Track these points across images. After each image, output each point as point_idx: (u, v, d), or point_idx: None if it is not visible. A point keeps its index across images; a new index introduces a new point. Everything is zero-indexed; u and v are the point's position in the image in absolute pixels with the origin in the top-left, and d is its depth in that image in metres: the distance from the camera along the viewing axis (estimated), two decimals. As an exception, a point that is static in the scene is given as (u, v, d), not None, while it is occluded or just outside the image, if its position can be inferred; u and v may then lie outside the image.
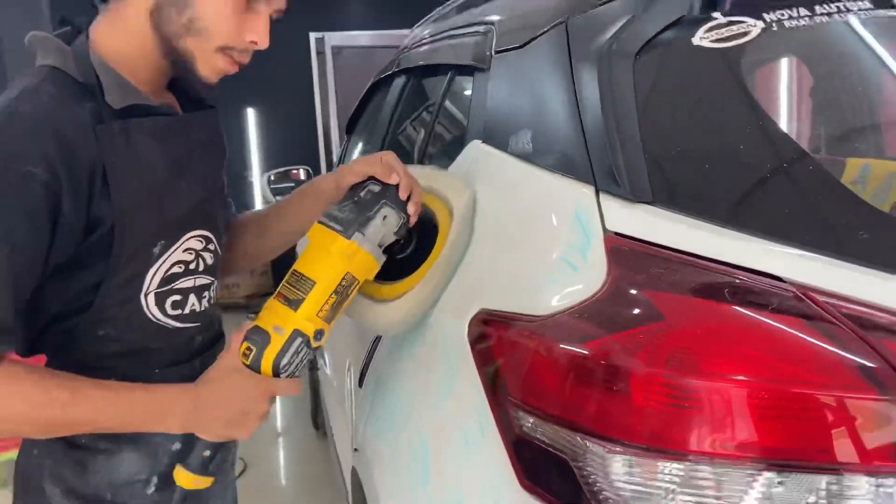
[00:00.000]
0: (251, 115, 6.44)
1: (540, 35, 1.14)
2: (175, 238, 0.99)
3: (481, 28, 1.46)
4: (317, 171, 6.25)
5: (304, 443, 3.55)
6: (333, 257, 0.96)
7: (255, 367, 0.95)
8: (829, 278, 0.69)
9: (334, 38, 6.29)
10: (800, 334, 0.65)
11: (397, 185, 1.03)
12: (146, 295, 0.97)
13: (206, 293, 1.06)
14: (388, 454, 1.09)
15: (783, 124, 0.84)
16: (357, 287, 0.99)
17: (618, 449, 0.67)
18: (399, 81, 2.14)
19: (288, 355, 0.95)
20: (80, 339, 0.96)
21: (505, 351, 0.84)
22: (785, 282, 0.69)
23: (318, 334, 0.96)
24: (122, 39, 0.96)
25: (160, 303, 0.99)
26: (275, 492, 3.20)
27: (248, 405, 0.95)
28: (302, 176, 3.12)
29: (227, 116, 6.15)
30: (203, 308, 1.06)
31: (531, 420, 0.76)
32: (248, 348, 0.95)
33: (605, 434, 0.67)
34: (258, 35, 0.97)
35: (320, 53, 6.31)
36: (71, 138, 0.86)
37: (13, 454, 1.00)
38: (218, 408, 0.95)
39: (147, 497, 1.03)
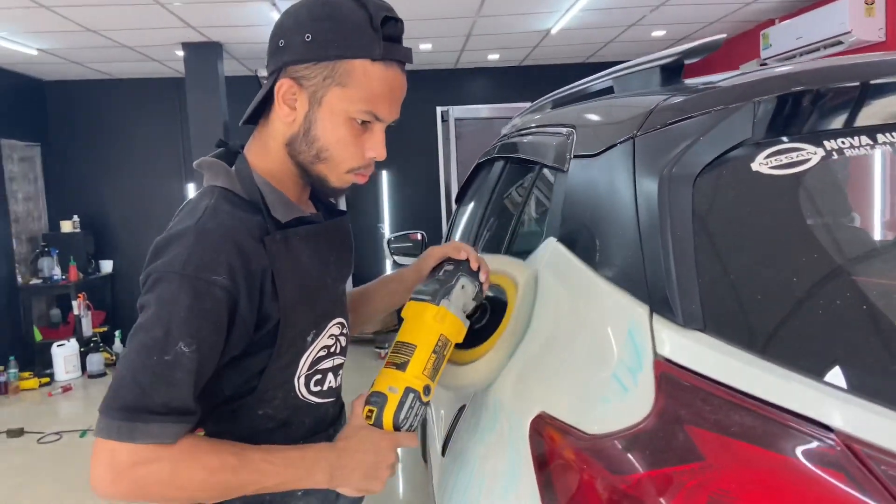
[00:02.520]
0: (385, 176, 6.64)
1: (611, 148, 1.09)
2: (323, 327, 1.04)
3: (564, 130, 1.42)
4: (438, 226, 6.37)
5: (414, 473, 3.53)
6: (428, 322, 1.02)
7: (378, 424, 0.99)
8: (880, 430, 0.60)
9: (457, 111, 6.41)
10: (835, 488, 0.56)
11: (468, 260, 1.14)
12: (298, 378, 1.02)
13: (340, 371, 1.12)
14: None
15: (841, 258, 0.74)
16: (451, 348, 1.04)
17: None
18: (497, 165, 2.12)
19: (404, 410, 0.99)
20: (243, 417, 1.00)
21: (558, 461, 0.78)
22: (832, 431, 0.61)
23: (427, 389, 1.00)
24: (270, 162, 1.01)
25: (307, 383, 1.04)
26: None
27: (379, 457, 0.98)
28: (418, 237, 3.15)
29: (364, 178, 6.42)
30: (337, 384, 1.12)
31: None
32: (371, 410, 0.99)
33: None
34: (376, 151, 1.01)
35: (445, 122, 6.45)
36: (247, 249, 0.91)
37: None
38: (354, 460, 0.96)
39: None
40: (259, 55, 5.56)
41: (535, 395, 0.94)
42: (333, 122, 0.96)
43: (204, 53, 5.10)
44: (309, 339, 1.01)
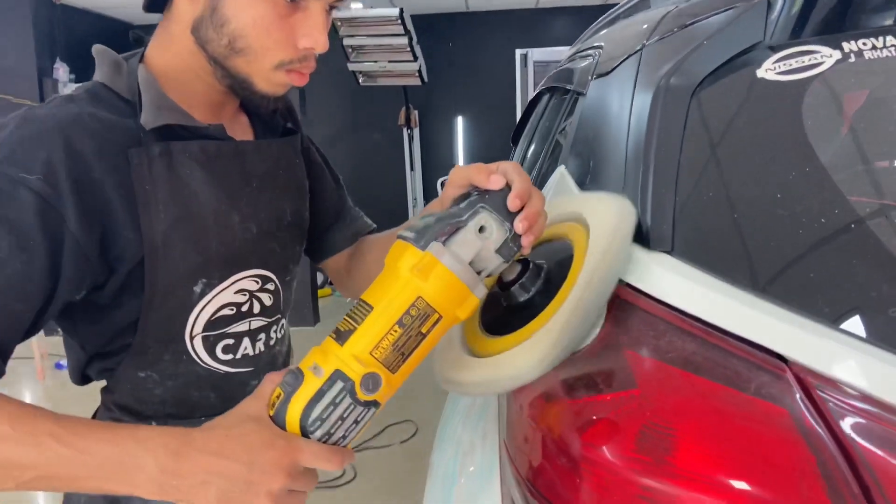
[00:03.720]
0: (460, 122, 6.56)
1: (622, 62, 1.00)
2: (221, 277, 0.81)
3: (593, 51, 1.32)
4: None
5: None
6: (400, 274, 0.64)
7: (279, 419, 0.64)
8: (845, 363, 0.51)
9: (537, 54, 6.21)
10: (775, 424, 0.49)
11: (503, 191, 0.67)
12: (192, 338, 0.81)
13: (261, 335, 0.88)
14: (434, 467, 1.02)
15: (843, 177, 0.64)
16: (442, 326, 0.65)
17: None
18: (544, 99, 2.03)
19: (321, 405, 0.63)
20: (123, 379, 0.82)
21: (511, 395, 0.74)
22: (787, 362, 0.53)
23: (370, 381, 0.62)
24: (171, 56, 0.80)
25: (210, 348, 0.83)
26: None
27: (255, 471, 0.61)
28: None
29: (439, 122, 6.35)
30: (258, 351, 0.88)
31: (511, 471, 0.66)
32: (278, 395, 0.65)
33: (549, 502, 0.56)
34: (313, 38, 0.75)
35: (524, 67, 6.26)
36: (85, 151, 0.70)
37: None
38: (211, 465, 0.61)
39: None
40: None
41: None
42: None
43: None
44: (197, 289, 0.79)
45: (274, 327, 0.91)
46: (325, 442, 0.64)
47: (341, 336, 0.64)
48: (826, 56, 0.72)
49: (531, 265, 0.72)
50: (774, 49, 0.77)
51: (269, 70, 0.76)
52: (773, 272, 0.60)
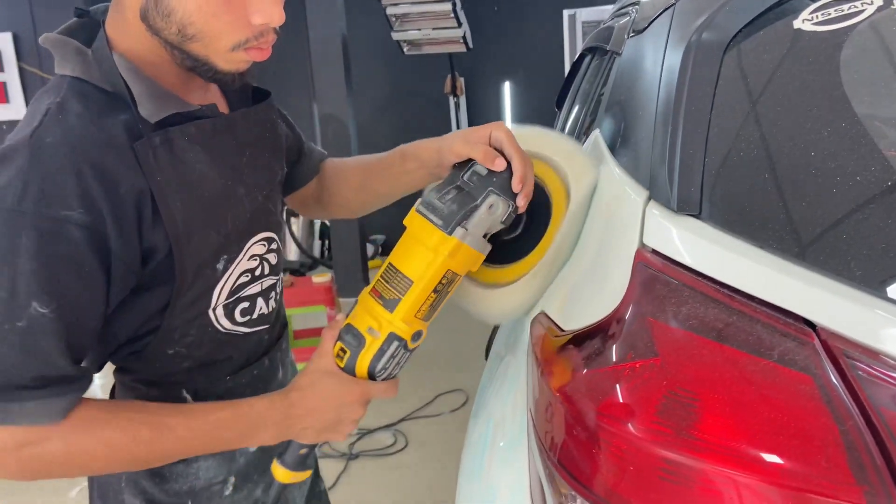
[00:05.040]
0: (507, 87, 6.46)
1: (655, 18, 0.96)
2: (238, 250, 0.84)
3: (630, 9, 1.27)
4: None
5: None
6: (433, 254, 0.78)
7: (350, 370, 0.82)
8: (879, 329, 0.49)
9: (585, 14, 6.03)
10: (799, 392, 0.47)
11: (508, 172, 0.81)
12: (214, 309, 0.84)
13: (272, 293, 0.93)
14: (470, 435, 1.03)
15: (882, 134, 0.61)
16: (458, 282, 0.83)
17: (578, 495, 0.55)
18: (586, 60, 1.97)
19: (384, 359, 0.81)
20: (151, 358, 0.84)
21: (535, 362, 0.73)
22: (814, 327, 0.51)
23: (416, 336, 0.82)
24: (132, 40, 0.76)
25: (229, 314, 0.86)
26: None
27: (343, 412, 0.81)
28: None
29: (486, 88, 6.27)
30: (270, 309, 0.93)
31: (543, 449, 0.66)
32: (343, 350, 0.82)
33: (570, 475, 0.56)
34: (266, 13, 0.71)
35: (572, 29, 6.10)
36: (109, 167, 0.70)
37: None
38: (311, 415, 0.81)
39: (225, 498, 0.92)
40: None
41: (546, 294, 0.88)
42: None
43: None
44: (220, 266, 0.81)
45: (279, 283, 0.95)
46: (384, 379, 0.84)
47: (388, 303, 0.80)
48: (867, 3, 0.67)
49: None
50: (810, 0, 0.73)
51: (226, 52, 0.74)
52: (805, 235, 0.57)
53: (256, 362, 0.93)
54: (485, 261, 0.85)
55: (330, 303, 3.68)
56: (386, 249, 6.56)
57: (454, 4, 5.19)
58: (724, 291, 0.56)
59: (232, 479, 0.92)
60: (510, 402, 0.87)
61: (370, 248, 5.68)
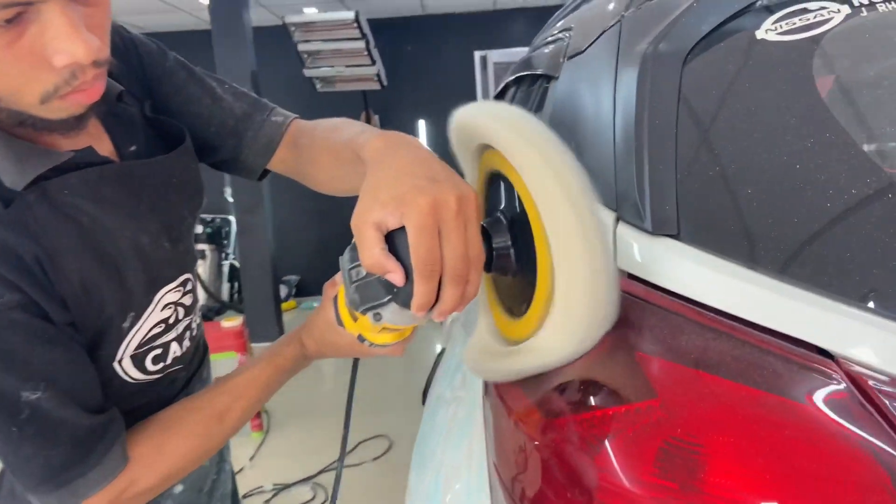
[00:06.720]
0: (422, 126, 6.47)
1: (599, 36, 0.91)
2: (147, 303, 0.76)
3: (561, 35, 1.24)
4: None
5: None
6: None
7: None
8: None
9: (496, 56, 6.16)
10: (834, 434, 0.40)
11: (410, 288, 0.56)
12: (121, 361, 0.75)
13: (186, 333, 0.85)
14: (413, 491, 0.92)
15: (867, 143, 0.57)
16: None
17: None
18: (510, 92, 1.95)
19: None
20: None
21: (496, 403, 0.64)
22: (834, 359, 0.44)
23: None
24: None
25: (139, 364, 0.78)
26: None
27: (349, 353, 0.80)
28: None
29: (400, 126, 6.26)
30: (185, 349, 0.85)
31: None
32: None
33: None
34: (66, 52, 0.55)
35: (484, 70, 6.21)
36: (8, 242, 0.63)
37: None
38: (327, 354, 0.80)
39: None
40: (287, 0, 5.42)
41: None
42: None
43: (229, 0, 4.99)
44: (126, 324, 0.73)
45: (194, 318, 0.87)
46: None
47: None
48: (833, 11, 0.64)
49: (493, 255, 0.65)
50: (771, 9, 0.70)
51: (39, 107, 0.60)
52: (801, 253, 0.52)
53: (171, 402, 0.82)
54: (503, 314, 0.70)
55: (241, 349, 3.46)
56: (300, 290, 6.34)
57: (367, 42, 5.17)
58: (723, 320, 0.49)
59: None
60: (463, 450, 0.77)
61: (283, 290, 5.46)
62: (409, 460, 0.98)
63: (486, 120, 0.66)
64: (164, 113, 0.84)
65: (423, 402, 1.20)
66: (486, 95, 6.20)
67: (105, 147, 0.75)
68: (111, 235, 0.70)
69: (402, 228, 0.54)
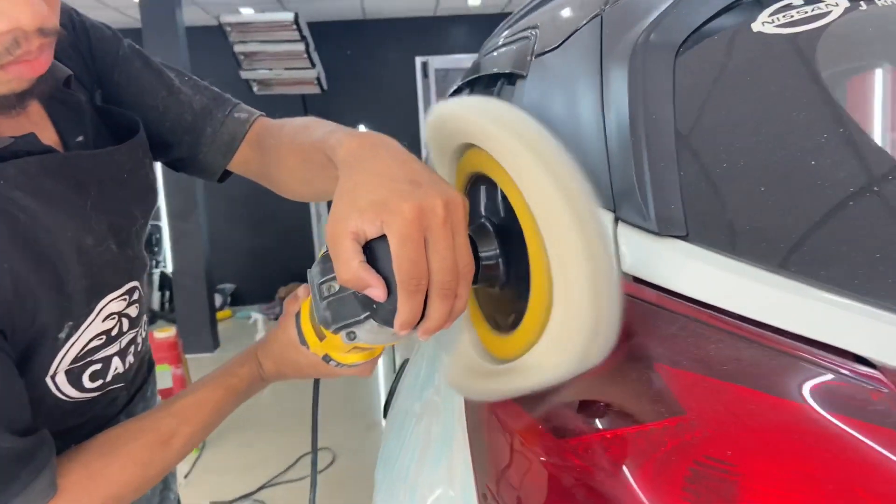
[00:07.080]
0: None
1: (575, 32, 0.88)
2: (88, 312, 0.68)
3: (528, 32, 1.20)
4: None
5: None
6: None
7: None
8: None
9: (438, 62, 6.15)
10: (883, 450, 0.37)
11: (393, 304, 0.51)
12: (54, 377, 0.67)
13: (130, 348, 0.77)
14: (387, 491, 0.85)
15: (878, 134, 0.54)
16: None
17: None
18: (465, 94, 1.91)
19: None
20: None
21: (492, 422, 0.59)
22: (875, 367, 0.41)
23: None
24: None
25: (75, 380, 0.70)
26: (363, 482, 3.03)
27: (312, 372, 0.76)
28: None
29: (340, 133, 6.17)
30: (128, 365, 0.77)
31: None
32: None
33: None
34: (7, 15, 0.51)
35: (424, 74, 6.18)
36: None
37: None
38: (287, 376, 0.76)
39: None
40: (222, 0, 5.25)
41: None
42: None
43: (161, -1, 4.79)
44: (63, 335, 0.65)
45: (140, 331, 0.79)
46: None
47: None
48: (832, 4, 0.62)
49: (479, 266, 0.58)
50: (763, 3, 0.68)
51: None
52: (824, 252, 0.48)
53: (110, 422, 0.76)
54: (488, 329, 0.63)
55: (175, 360, 3.29)
56: (236, 299, 6.13)
57: (307, 45, 5.06)
58: (749, 327, 0.45)
59: None
60: (442, 472, 0.71)
61: (218, 299, 5.26)
62: (353, 474, 0.92)
63: (472, 116, 0.59)
64: (116, 104, 0.76)
65: (385, 415, 1.16)
66: (426, 101, 6.17)
67: (48, 136, 0.67)
68: (50, 234, 0.62)
69: (383, 237, 0.49)
